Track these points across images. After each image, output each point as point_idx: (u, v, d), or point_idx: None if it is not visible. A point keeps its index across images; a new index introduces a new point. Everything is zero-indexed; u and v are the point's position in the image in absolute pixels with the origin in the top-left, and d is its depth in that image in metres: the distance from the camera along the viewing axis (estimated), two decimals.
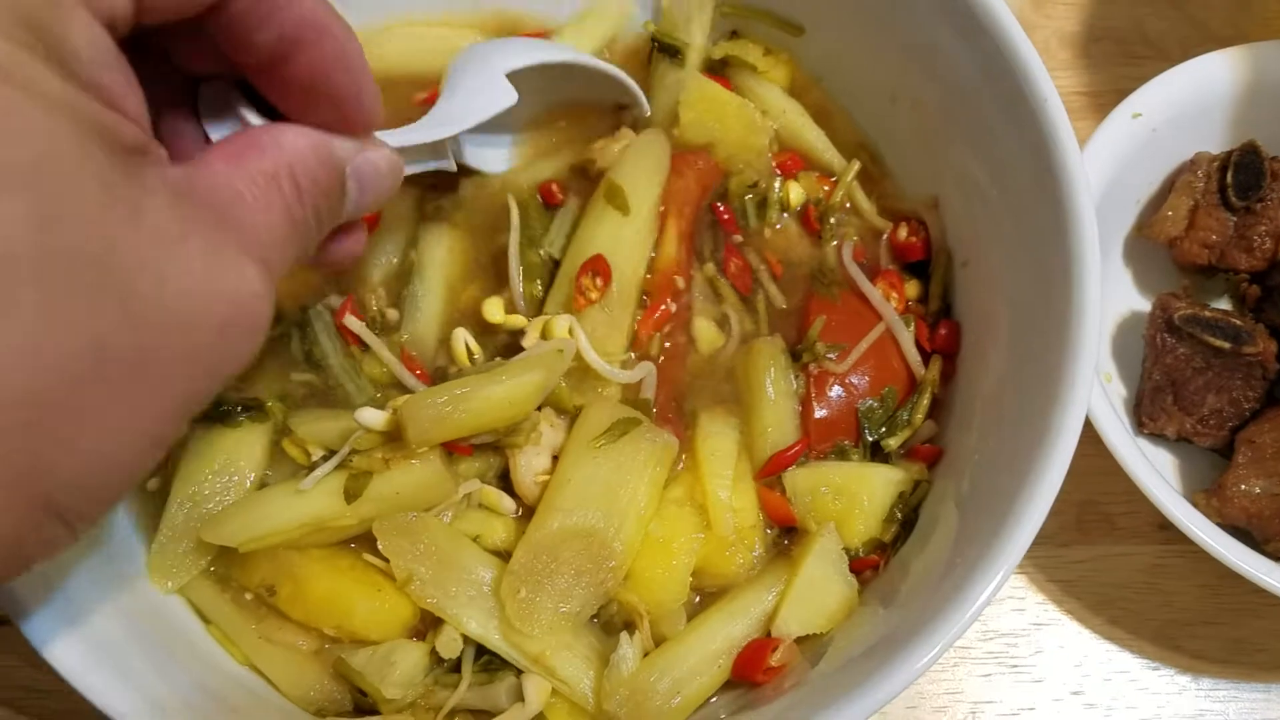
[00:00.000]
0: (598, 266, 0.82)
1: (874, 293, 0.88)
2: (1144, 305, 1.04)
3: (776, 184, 0.91)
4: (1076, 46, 1.18)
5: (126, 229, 0.44)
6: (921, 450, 0.85)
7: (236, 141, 0.55)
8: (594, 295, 0.82)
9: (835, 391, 0.85)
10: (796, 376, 0.85)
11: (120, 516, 0.80)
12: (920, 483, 0.83)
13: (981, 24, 0.78)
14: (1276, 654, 0.97)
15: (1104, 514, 1.00)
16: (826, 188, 0.93)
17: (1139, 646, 0.97)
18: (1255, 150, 1.00)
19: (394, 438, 0.76)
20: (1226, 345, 0.93)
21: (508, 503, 0.80)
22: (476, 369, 0.80)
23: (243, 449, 0.80)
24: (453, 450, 0.78)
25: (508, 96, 0.81)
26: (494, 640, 0.75)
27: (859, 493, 0.81)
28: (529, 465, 0.79)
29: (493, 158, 0.89)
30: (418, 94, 0.93)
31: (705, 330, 0.87)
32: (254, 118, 0.61)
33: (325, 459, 0.77)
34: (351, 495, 0.75)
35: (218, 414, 0.81)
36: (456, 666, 0.76)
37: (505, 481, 0.80)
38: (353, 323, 0.82)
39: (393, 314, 0.85)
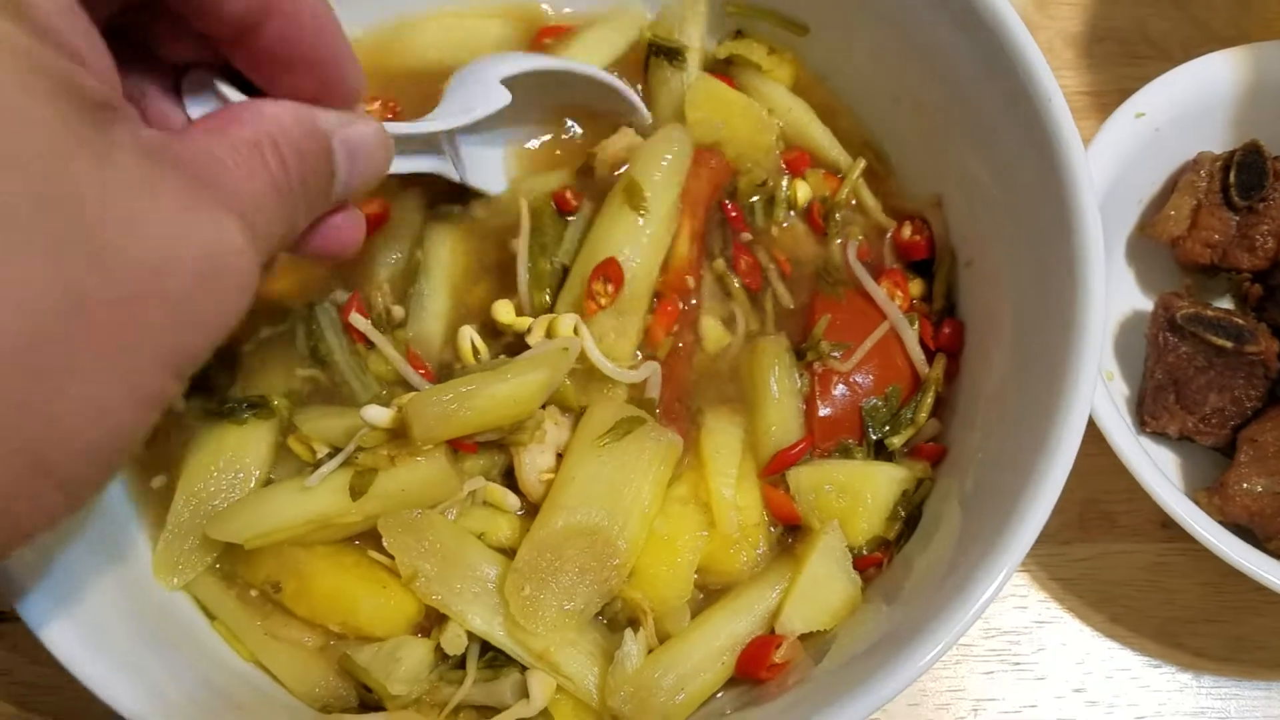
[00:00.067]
0: (610, 271, 0.81)
1: (878, 291, 0.88)
2: (1146, 304, 1.04)
3: (784, 182, 0.91)
4: (1080, 46, 1.18)
5: (92, 177, 0.44)
6: (925, 448, 0.86)
7: (217, 116, 0.55)
8: (604, 301, 0.81)
9: (839, 390, 0.85)
10: (801, 375, 0.85)
11: (126, 514, 0.81)
12: (924, 481, 0.84)
13: (986, 23, 0.78)
14: (1278, 652, 0.97)
15: (1106, 512, 1.00)
16: (833, 186, 0.93)
17: (1141, 644, 0.97)
18: (1258, 150, 1.00)
19: (399, 435, 0.76)
20: (1229, 344, 0.93)
21: (512, 500, 0.80)
22: (481, 367, 0.80)
23: (248, 446, 0.80)
24: (458, 448, 0.78)
25: (501, 98, 0.82)
26: (499, 637, 0.75)
27: (863, 491, 0.82)
28: (533, 463, 0.79)
29: (493, 178, 0.89)
30: (443, 85, 0.94)
31: (712, 329, 0.87)
32: (235, 95, 0.61)
33: (330, 456, 0.77)
34: (357, 492, 0.75)
35: (223, 411, 0.81)
36: (461, 663, 0.76)
37: (510, 479, 0.81)
38: (358, 320, 0.82)
39: (398, 311, 0.85)
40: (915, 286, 0.91)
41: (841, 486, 0.81)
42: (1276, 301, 0.99)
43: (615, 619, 0.79)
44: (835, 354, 0.85)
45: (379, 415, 0.76)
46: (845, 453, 0.85)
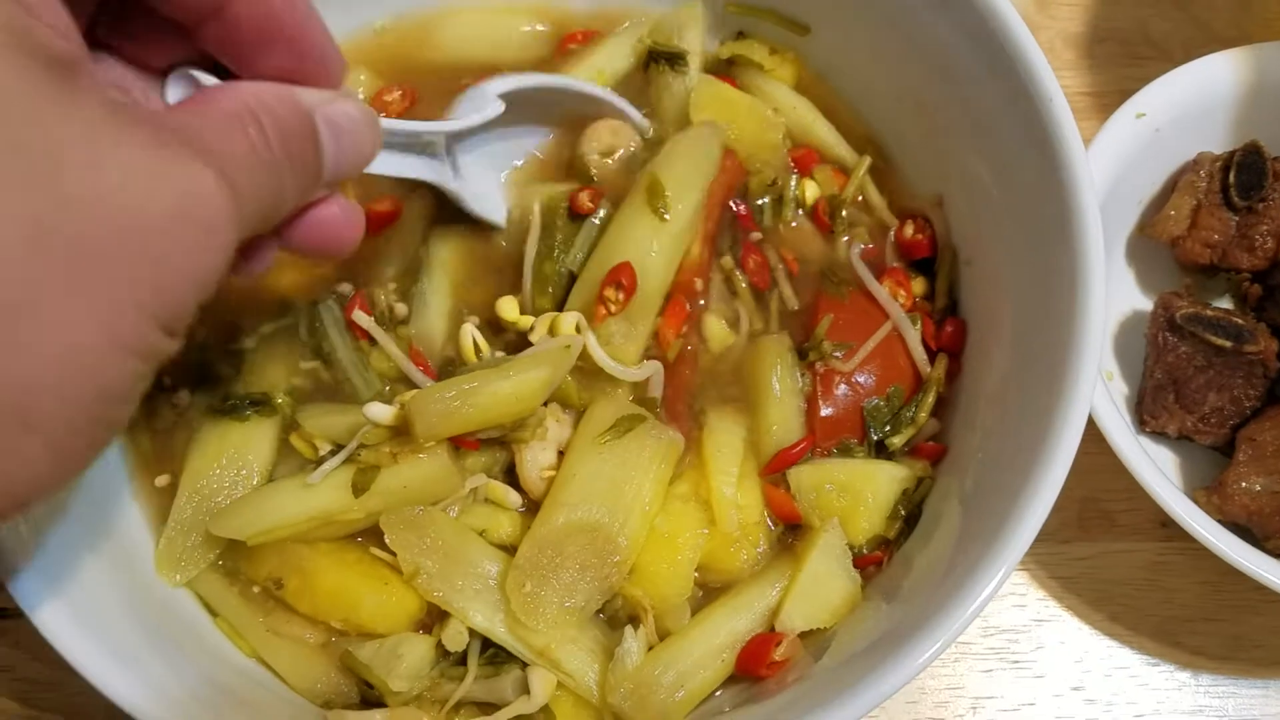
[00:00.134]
0: (623, 277, 0.81)
1: (881, 291, 0.88)
2: (1146, 304, 1.04)
3: (793, 181, 0.91)
4: (1081, 47, 1.18)
5: (55, 119, 0.44)
6: (925, 447, 0.86)
7: (194, 97, 0.55)
8: (614, 308, 0.81)
9: (841, 390, 0.85)
10: (803, 374, 0.85)
11: (130, 511, 0.81)
12: (924, 479, 0.84)
13: (987, 24, 0.79)
14: (1275, 650, 0.97)
15: (1105, 511, 1.00)
16: (840, 182, 0.93)
17: (1139, 643, 0.97)
18: (1257, 150, 1.00)
19: (401, 432, 0.76)
20: (1228, 344, 0.93)
21: (514, 497, 0.80)
22: (483, 364, 0.80)
23: (251, 443, 0.81)
24: (459, 445, 0.78)
25: (495, 108, 0.83)
26: (500, 633, 0.75)
27: (863, 490, 0.82)
28: (535, 460, 0.80)
29: (493, 205, 0.88)
30: (465, 78, 0.93)
31: (716, 328, 0.87)
32: (213, 82, 0.61)
33: (333, 453, 0.78)
34: (359, 489, 0.75)
35: (226, 408, 0.81)
36: (462, 659, 0.77)
37: (511, 476, 0.81)
38: (361, 318, 0.83)
39: (401, 308, 0.86)
40: (918, 285, 0.91)
41: (842, 485, 0.82)
42: (1276, 301, 0.99)
43: (616, 616, 0.79)
44: (837, 354, 0.85)
45: (381, 412, 0.76)
46: (846, 452, 0.85)
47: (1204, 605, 0.98)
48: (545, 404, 0.80)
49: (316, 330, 0.83)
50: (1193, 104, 1.03)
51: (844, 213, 0.91)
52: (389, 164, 0.76)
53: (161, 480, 0.82)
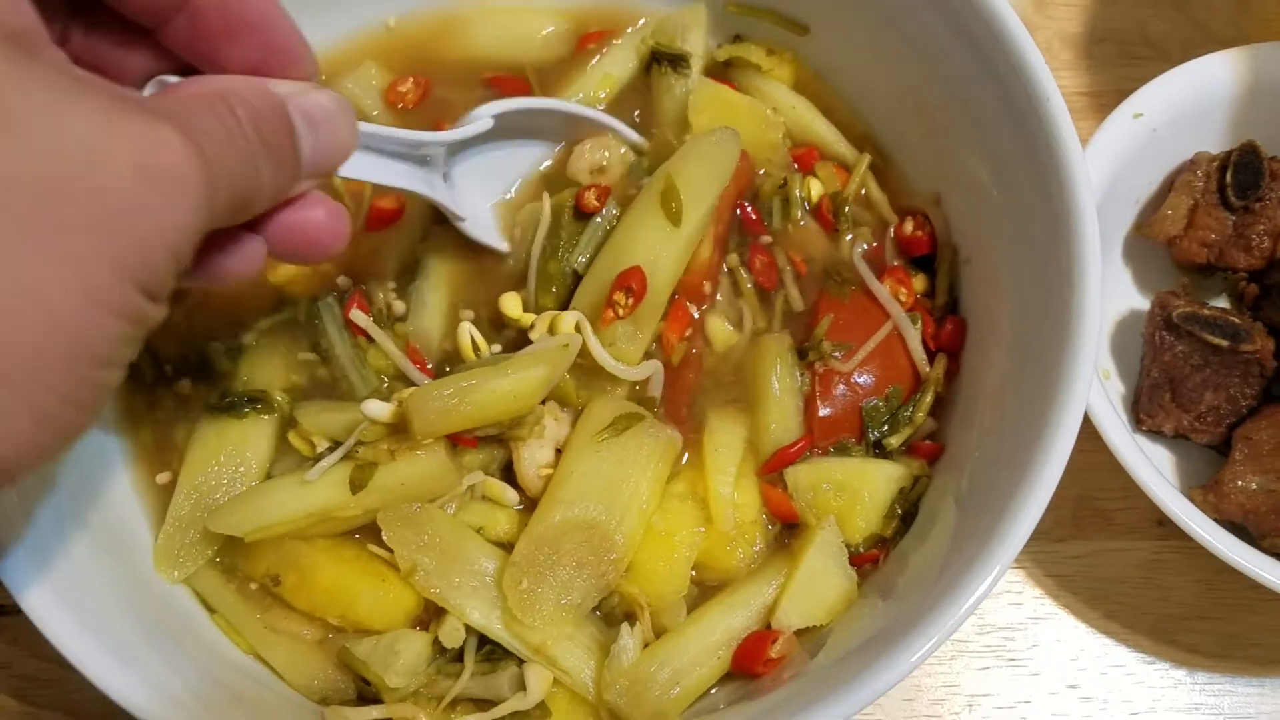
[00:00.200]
0: (633, 282, 0.80)
1: (882, 290, 0.88)
2: (1143, 303, 1.05)
3: (799, 181, 0.91)
4: (1078, 47, 1.18)
5: (13, 85, 0.44)
6: (922, 446, 0.86)
7: (167, 88, 0.55)
8: (623, 312, 0.80)
9: (840, 390, 0.86)
10: (802, 374, 0.86)
11: (130, 508, 0.81)
12: (920, 478, 0.84)
13: (985, 24, 0.79)
14: (1271, 649, 0.97)
15: (1101, 509, 1.00)
16: (843, 179, 0.94)
17: (1135, 641, 0.97)
18: (1254, 150, 1.01)
19: (399, 429, 0.76)
20: (1224, 343, 0.94)
21: (511, 495, 0.81)
22: (482, 362, 0.80)
23: (249, 440, 0.81)
24: (457, 442, 0.79)
25: (484, 123, 0.82)
26: (496, 630, 0.76)
27: (860, 489, 0.82)
28: (532, 458, 0.80)
29: (487, 228, 0.88)
30: (486, 71, 0.95)
31: (719, 328, 0.87)
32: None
33: (330, 450, 0.78)
34: (357, 486, 0.75)
35: (225, 406, 0.81)
36: (459, 656, 0.77)
37: (509, 474, 0.81)
38: (359, 316, 0.83)
39: (399, 306, 0.86)
40: (918, 282, 0.91)
41: (839, 485, 0.82)
42: (1272, 300, 0.99)
43: (612, 613, 0.79)
44: (837, 354, 0.85)
45: (379, 410, 0.76)
46: (843, 451, 0.85)
47: (1200, 603, 0.98)
48: (543, 402, 0.80)
49: (315, 328, 0.84)
50: (1190, 104, 1.03)
51: (847, 209, 0.92)
52: (381, 172, 0.75)
53: (163, 477, 0.83)
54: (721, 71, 0.97)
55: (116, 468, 0.83)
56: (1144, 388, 0.99)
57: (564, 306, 0.84)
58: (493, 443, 0.81)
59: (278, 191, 0.59)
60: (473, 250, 0.87)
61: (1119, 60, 1.17)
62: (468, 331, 0.83)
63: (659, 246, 0.82)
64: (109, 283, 0.46)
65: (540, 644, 0.75)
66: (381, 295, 0.86)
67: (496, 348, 0.84)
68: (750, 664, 0.76)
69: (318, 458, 0.78)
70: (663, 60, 0.95)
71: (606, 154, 0.89)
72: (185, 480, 0.80)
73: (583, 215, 0.86)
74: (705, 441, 0.83)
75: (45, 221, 0.44)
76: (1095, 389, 0.90)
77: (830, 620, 0.78)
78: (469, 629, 0.76)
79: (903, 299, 0.88)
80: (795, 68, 0.97)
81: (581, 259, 0.85)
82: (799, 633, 0.77)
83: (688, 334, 0.86)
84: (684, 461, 0.83)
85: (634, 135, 0.92)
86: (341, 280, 0.86)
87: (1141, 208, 1.07)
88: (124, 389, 0.85)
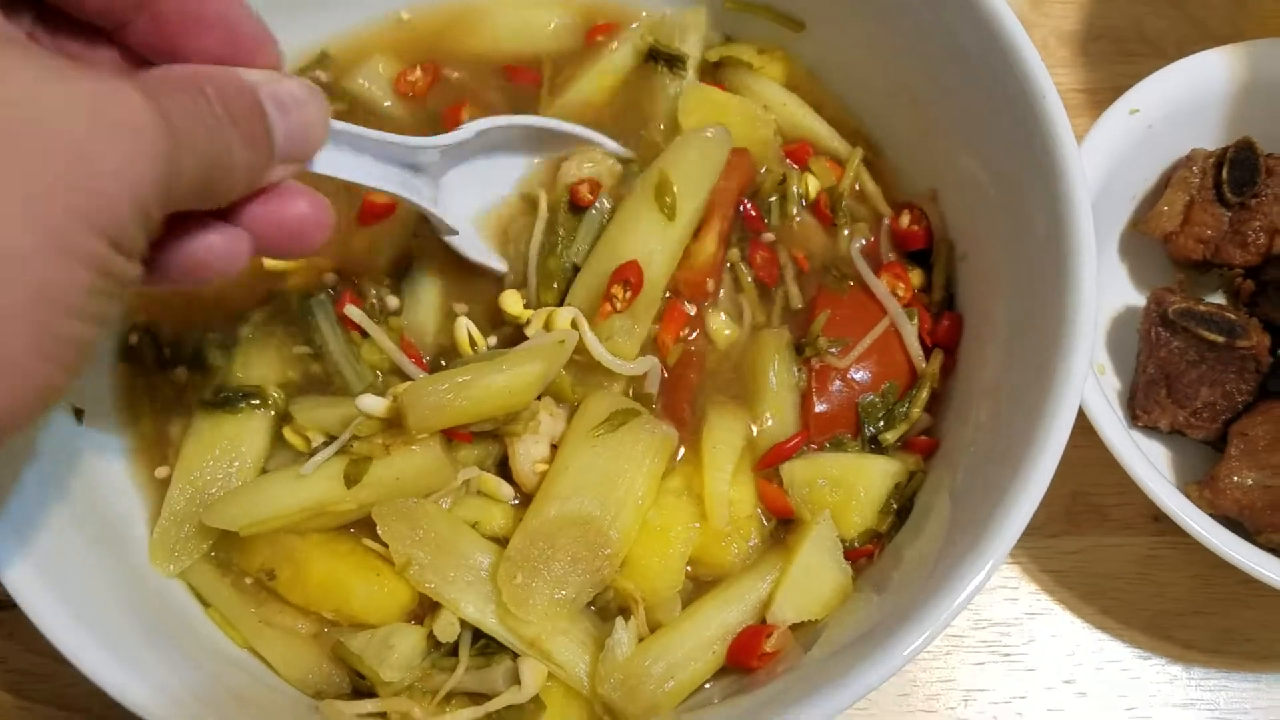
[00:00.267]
0: (631, 275, 0.81)
1: (879, 285, 0.88)
2: (1139, 299, 1.05)
3: (797, 178, 0.92)
4: (1075, 45, 1.18)
5: None
6: (917, 442, 0.86)
7: (133, 75, 0.55)
8: (620, 305, 0.81)
9: (836, 386, 0.86)
10: (799, 370, 0.86)
11: (127, 503, 0.82)
12: (915, 473, 0.84)
13: (981, 20, 0.79)
14: (1266, 644, 0.97)
15: (1097, 505, 1.00)
16: (837, 173, 0.94)
17: (1131, 636, 0.97)
18: (1250, 147, 1.01)
19: (394, 424, 0.77)
20: (1220, 339, 0.94)
21: (506, 490, 0.81)
22: (478, 357, 0.80)
23: (245, 435, 0.81)
24: (452, 437, 0.79)
25: (465, 133, 0.82)
26: (491, 624, 0.76)
27: (855, 484, 0.82)
28: (528, 453, 0.80)
29: (472, 242, 0.87)
30: (500, 62, 0.97)
31: (721, 325, 0.87)
32: None
33: (325, 445, 0.78)
34: (351, 480, 0.76)
35: (220, 401, 0.82)
36: (454, 650, 0.77)
37: (504, 469, 0.81)
38: (353, 311, 0.83)
39: (393, 301, 0.86)
40: (915, 277, 0.91)
41: (834, 480, 0.82)
42: (1268, 296, 0.99)
43: (607, 608, 0.79)
44: (833, 350, 0.86)
45: (374, 404, 0.76)
46: (839, 446, 0.85)
47: (1195, 599, 0.98)
48: (539, 398, 0.80)
49: (308, 324, 0.84)
50: (1186, 100, 1.03)
51: (844, 204, 0.92)
52: (367, 173, 0.75)
53: (161, 472, 0.83)
54: (712, 72, 0.97)
55: (115, 462, 0.83)
56: (1140, 383, 0.99)
57: (563, 300, 0.84)
58: (488, 438, 0.81)
59: (251, 173, 0.59)
60: None
61: (1115, 57, 1.17)
62: (465, 326, 0.83)
63: (654, 240, 0.82)
64: (67, 226, 0.46)
65: (535, 638, 0.75)
66: (374, 290, 0.86)
67: (493, 341, 0.84)
68: (745, 658, 0.76)
69: (312, 452, 0.78)
70: (659, 59, 0.95)
71: (593, 165, 0.88)
72: (180, 475, 0.80)
73: (577, 210, 0.86)
74: (704, 438, 0.83)
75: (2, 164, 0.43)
76: (1091, 385, 0.90)
77: (825, 615, 0.78)
78: (464, 623, 0.76)
79: (900, 294, 0.88)
80: (786, 66, 0.98)
81: (581, 249, 0.85)
82: (794, 627, 0.77)
83: (685, 334, 0.86)
84: (680, 457, 0.83)
85: (619, 149, 0.91)
86: (328, 277, 0.86)
87: (1138, 204, 1.07)
88: (124, 376, 0.86)
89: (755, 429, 0.85)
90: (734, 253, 0.89)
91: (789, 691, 0.68)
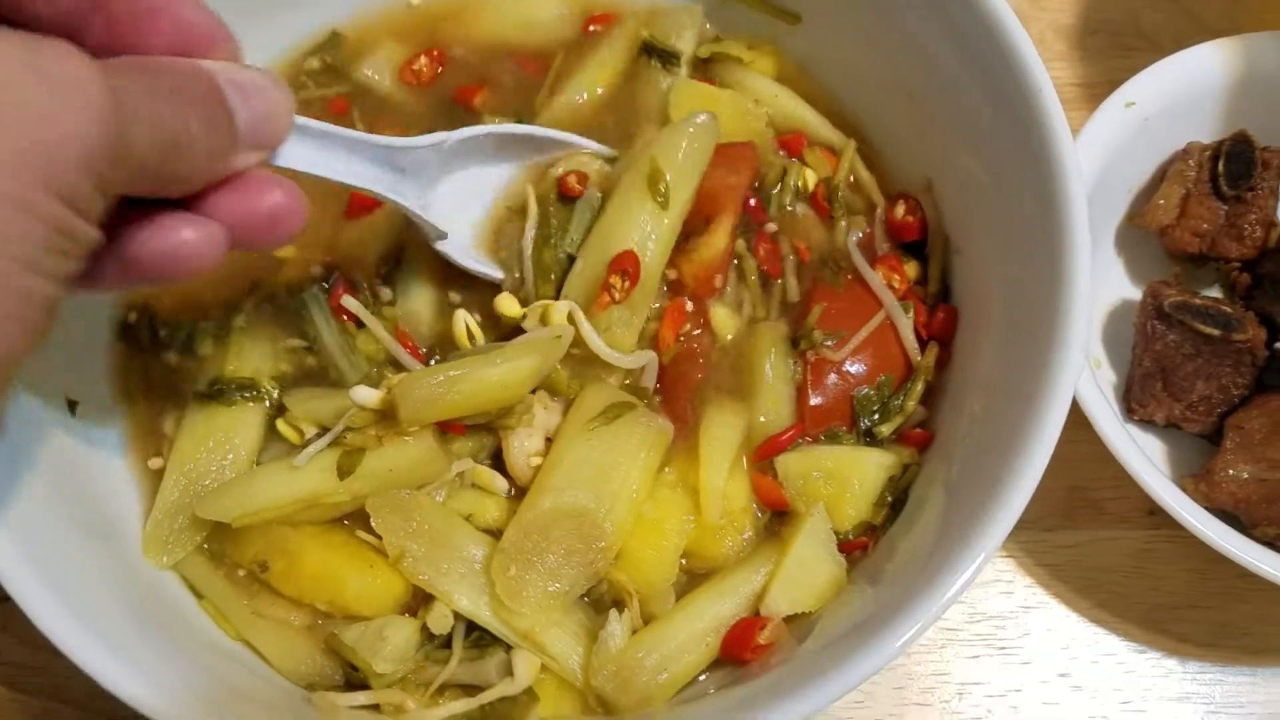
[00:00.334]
0: (628, 265, 0.80)
1: (874, 278, 0.88)
2: (1135, 293, 1.05)
3: (797, 170, 0.91)
4: (1072, 39, 1.18)
5: None
6: (912, 434, 0.86)
7: None
8: (618, 296, 0.80)
9: (831, 379, 0.86)
10: (795, 363, 0.86)
11: (122, 494, 0.82)
12: (910, 466, 0.84)
13: (978, 14, 0.79)
14: (1262, 638, 0.97)
15: (1093, 499, 1.00)
16: (832, 164, 0.94)
17: (1126, 630, 0.97)
18: (1246, 140, 1.01)
19: (388, 416, 0.76)
20: (1216, 332, 0.94)
21: (500, 482, 0.80)
22: (475, 350, 0.80)
23: (238, 427, 0.81)
24: (446, 429, 0.79)
25: (441, 135, 0.81)
26: (484, 617, 0.76)
27: (850, 477, 0.82)
28: (522, 446, 0.80)
29: (472, 254, 0.86)
30: (502, 51, 0.97)
31: (725, 317, 0.87)
32: None
33: (319, 437, 0.78)
34: (345, 472, 0.75)
35: (214, 393, 0.82)
36: (447, 642, 0.77)
37: (498, 461, 0.81)
38: (349, 302, 0.83)
39: (386, 292, 0.86)
40: (910, 269, 0.91)
41: (829, 473, 0.82)
42: (1264, 290, 0.99)
43: (601, 600, 0.79)
44: (829, 343, 0.85)
45: (368, 396, 0.76)
46: (833, 439, 0.85)
47: (1191, 592, 0.98)
48: (534, 391, 0.80)
49: (301, 317, 0.84)
50: (1182, 93, 1.03)
51: (840, 195, 0.92)
52: (348, 170, 0.74)
53: (155, 462, 0.83)
54: (702, 68, 0.97)
55: (109, 454, 0.83)
56: (1136, 377, 0.99)
57: (559, 291, 0.84)
58: (482, 430, 0.81)
59: (212, 156, 0.59)
60: None
61: (1112, 51, 1.17)
62: (462, 319, 0.83)
63: (649, 229, 0.82)
64: (15, 178, 0.46)
65: (528, 630, 0.75)
66: (366, 282, 0.86)
67: (482, 342, 0.84)
68: (739, 650, 0.76)
69: (306, 444, 0.78)
70: (653, 54, 0.95)
71: (587, 168, 0.88)
72: (174, 466, 0.80)
73: (567, 200, 0.85)
74: (701, 433, 0.83)
75: None
76: (1087, 378, 0.90)
77: (819, 607, 0.78)
78: (457, 615, 0.76)
79: (896, 287, 0.88)
80: (777, 60, 0.98)
81: (575, 239, 0.84)
82: (788, 619, 0.77)
83: (686, 330, 0.86)
84: (675, 450, 0.83)
85: (602, 149, 0.91)
86: (317, 269, 0.86)
87: (1134, 197, 1.07)
88: (120, 355, 0.86)
89: (750, 423, 0.84)
90: (740, 244, 0.88)
91: (783, 683, 0.68)
